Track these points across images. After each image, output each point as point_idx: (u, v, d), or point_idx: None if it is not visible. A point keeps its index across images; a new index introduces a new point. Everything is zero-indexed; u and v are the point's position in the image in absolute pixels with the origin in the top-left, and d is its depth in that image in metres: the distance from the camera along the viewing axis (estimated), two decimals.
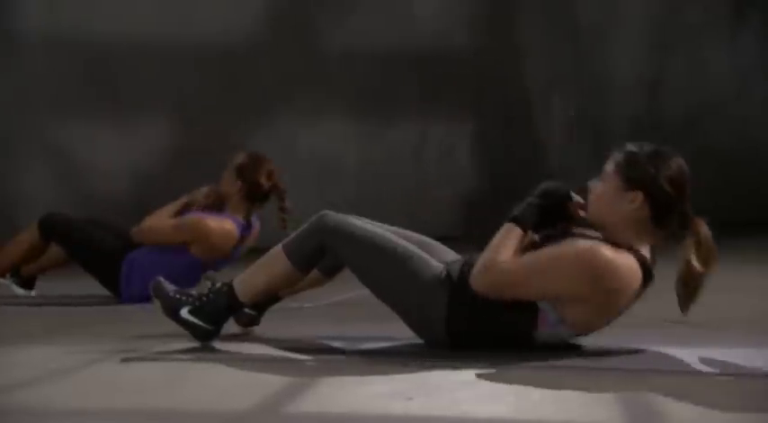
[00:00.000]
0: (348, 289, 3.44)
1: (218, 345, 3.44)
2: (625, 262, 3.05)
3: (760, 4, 10.36)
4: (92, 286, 5.01)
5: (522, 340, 3.18)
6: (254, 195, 4.84)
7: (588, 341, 3.33)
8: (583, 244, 3.08)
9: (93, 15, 8.11)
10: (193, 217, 4.84)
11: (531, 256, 3.13)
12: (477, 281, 3.14)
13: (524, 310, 3.13)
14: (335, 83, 8.86)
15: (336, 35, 8.84)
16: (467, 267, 3.22)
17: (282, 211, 4.74)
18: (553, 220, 3.21)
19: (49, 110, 8.02)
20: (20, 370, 3.13)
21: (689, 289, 3.06)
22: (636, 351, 3.23)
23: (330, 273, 3.68)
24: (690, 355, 3.15)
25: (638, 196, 3.10)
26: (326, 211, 3.38)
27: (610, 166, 3.17)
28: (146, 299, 4.52)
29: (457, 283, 3.20)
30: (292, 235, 3.43)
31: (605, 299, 3.06)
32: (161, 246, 4.83)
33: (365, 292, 3.44)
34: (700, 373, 2.89)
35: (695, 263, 3.03)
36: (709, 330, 3.67)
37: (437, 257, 3.36)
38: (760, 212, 9.97)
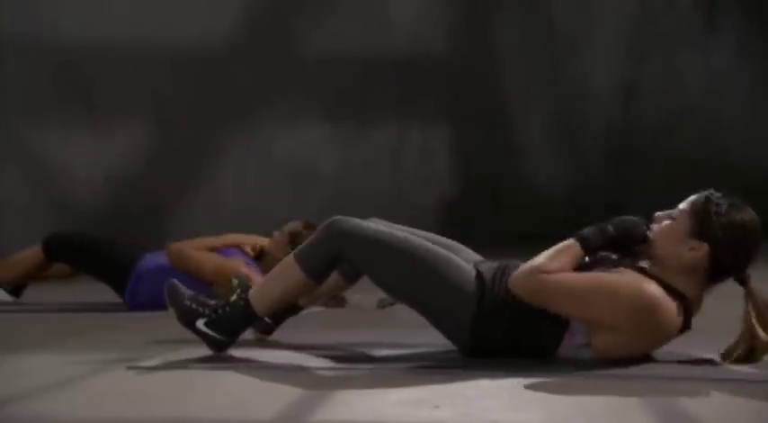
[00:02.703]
0: (357, 292, 3.38)
1: (229, 352, 3.36)
2: (670, 305, 3.00)
3: (731, 12, 10.42)
4: (84, 293, 4.94)
5: (543, 355, 3.12)
6: None
7: None
8: (633, 276, 3.04)
9: (67, 18, 8.02)
10: (239, 264, 4.58)
11: (579, 276, 3.05)
12: (520, 281, 3.06)
13: (554, 323, 3.07)
14: (313, 87, 8.81)
15: (314, 39, 8.79)
16: (499, 272, 3.17)
17: None
18: (615, 252, 3.16)
19: (23, 113, 7.92)
20: (27, 379, 3.04)
21: (751, 355, 3.04)
22: (657, 358, 3.18)
23: (351, 278, 3.56)
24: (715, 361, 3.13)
25: (704, 248, 3.03)
26: (337, 217, 3.27)
27: (685, 206, 3.09)
28: (150, 307, 4.47)
29: (489, 285, 3.13)
30: (305, 243, 3.33)
31: (640, 335, 3.02)
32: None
33: (372, 297, 3.38)
34: (728, 379, 2.87)
35: (760, 333, 3.01)
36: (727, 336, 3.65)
37: (463, 257, 3.28)
38: None
